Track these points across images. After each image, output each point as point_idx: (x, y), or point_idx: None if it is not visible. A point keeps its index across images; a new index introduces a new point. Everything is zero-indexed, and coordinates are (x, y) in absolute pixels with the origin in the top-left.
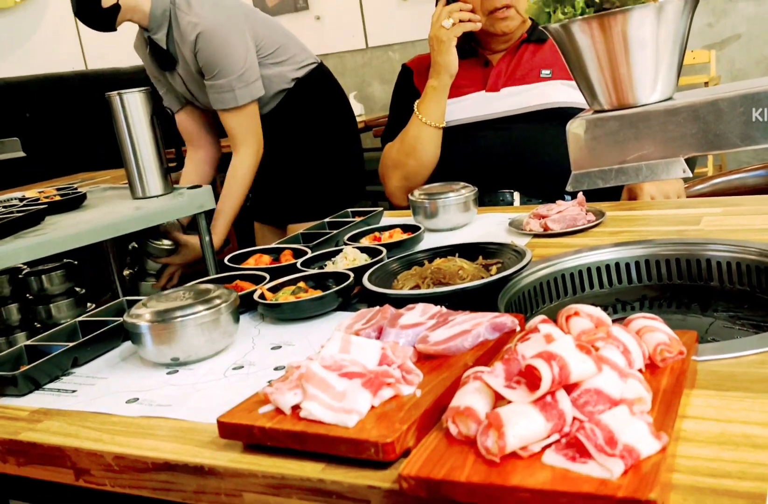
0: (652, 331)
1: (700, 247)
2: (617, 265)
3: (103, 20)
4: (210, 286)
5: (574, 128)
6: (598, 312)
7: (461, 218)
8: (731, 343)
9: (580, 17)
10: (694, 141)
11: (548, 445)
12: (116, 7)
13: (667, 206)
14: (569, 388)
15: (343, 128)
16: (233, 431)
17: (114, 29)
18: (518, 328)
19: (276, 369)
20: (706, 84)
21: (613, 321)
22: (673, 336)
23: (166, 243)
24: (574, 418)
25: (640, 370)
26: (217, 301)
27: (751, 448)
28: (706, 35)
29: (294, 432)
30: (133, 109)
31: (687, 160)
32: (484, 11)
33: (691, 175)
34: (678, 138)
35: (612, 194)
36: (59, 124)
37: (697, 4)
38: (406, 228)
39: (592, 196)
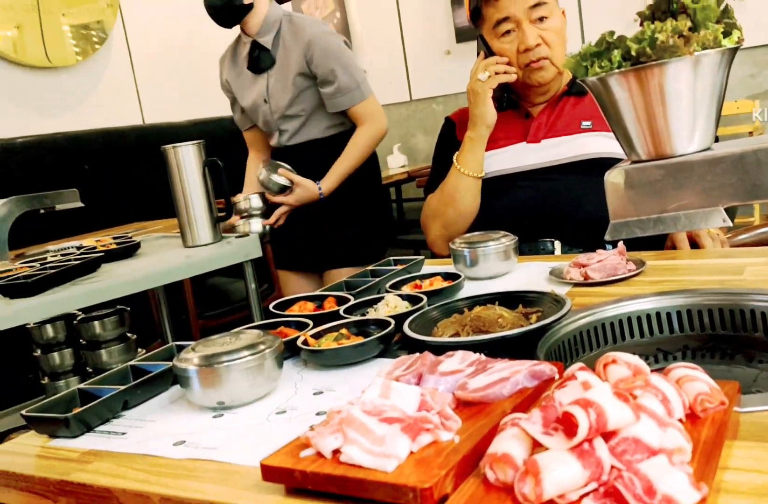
0: (693, 380)
1: (743, 297)
2: (658, 314)
3: (233, 16)
4: (255, 332)
5: (613, 178)
6: (636, 360)
7: (501, 267)
8: None
9: (617, 70)
10: (733, 191)
11: (586, 494)
12: (249, 6)
13: (710, 256)
14: (607, 436)
15: (375, 177)
16: (275, 474)
17: (232, 26)
18: (557, 376)
19: (318, 414)
20: (750, 134)
21: (655, 370)
22: (714, 386)
23: (283, 180)
24: (612, 467)
25: (680, 420)
26: (262, 347)
27: None
28: (748, 85)
29: (334, 476)
30: (186, 161)
31: (727, 210)
32: (520, 64)
33: (731, 224)
34: (717, 188)
35: (655, 243)
36: (116, 176)
37: (734, 56)
38: (446, 276)
39: (633, 245)
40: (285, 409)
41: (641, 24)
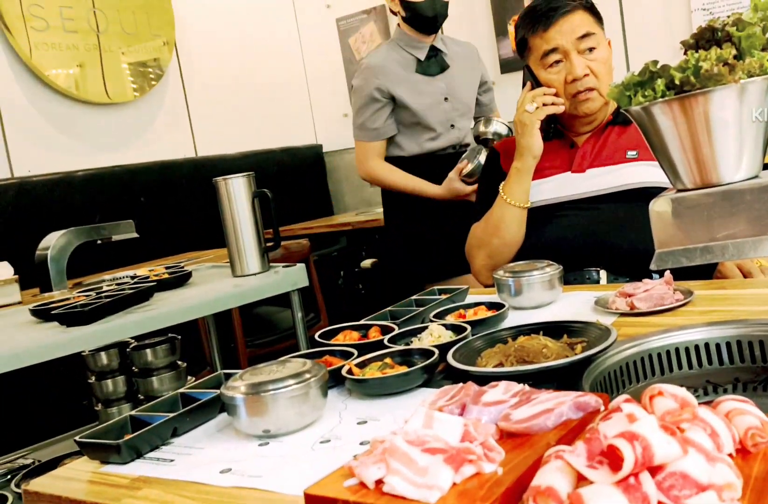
0: (743, 414)
1: None
2: (707, 345)
3: (438, 24)
4: (301, 360)
5: (658, 207)
6: (683, 392)
7: (546, 296)
8: None
9: (660, 99)
10: None
11: None
12: (446, 16)
13: (760, 285)
14: (653, 471)
15: None
16: (319, 503)
17: (433, 33)
18: (602, 408)
19: (361, 443)
20: None
21: (704, 403)
22: (765, 420)
23: (504, 128)
24: (659, 503)
25: (729, 455)
26: (307, 376)
27: None
28: None
29: None
30: (236, 192)
31: None
32: (567, 95)
33: None
34: (765, 216)
35: (703, 273)
36: (170, 207)
37: None
38: (490, 306)
39: (681, 274)
40: (329, 438)
41: (685, 53)
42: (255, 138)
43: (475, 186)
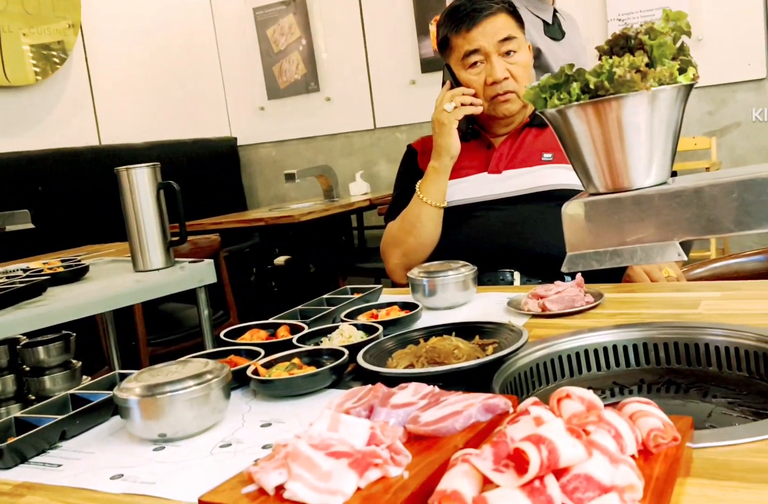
0: (646, 415)
1: (699, 331)
2: (615, 347)
3: None
4: (203, 360)
5: (570, 210)
6: (589, 395)
7: (460, 297)
8: (727, 431)
9: (575, 103)
10: (688, 225)
11: None
12: None
13: (666, 289)
14: (558, 473)
15: None
16: None
17: None
18: (511, 410)
19: (264, 447)
20: (708, 169)
21: (610, 405)
22: (667, 421)
23: None
24: None
25: (632, 456)
26: (209, 377)
27: None
28: (706, 123)
29: None
30: (140, 183)
31: (682, 244)
32: (486, 97)
33: (686, 258)
34: (672, 222)
35: (613, 276)
36: (70, 197)
37: (689, 92)
38: (404, 306)
39: (592, 277)
40: (230, 441)
41: (600, 58)
42: (164, 128)
43: None
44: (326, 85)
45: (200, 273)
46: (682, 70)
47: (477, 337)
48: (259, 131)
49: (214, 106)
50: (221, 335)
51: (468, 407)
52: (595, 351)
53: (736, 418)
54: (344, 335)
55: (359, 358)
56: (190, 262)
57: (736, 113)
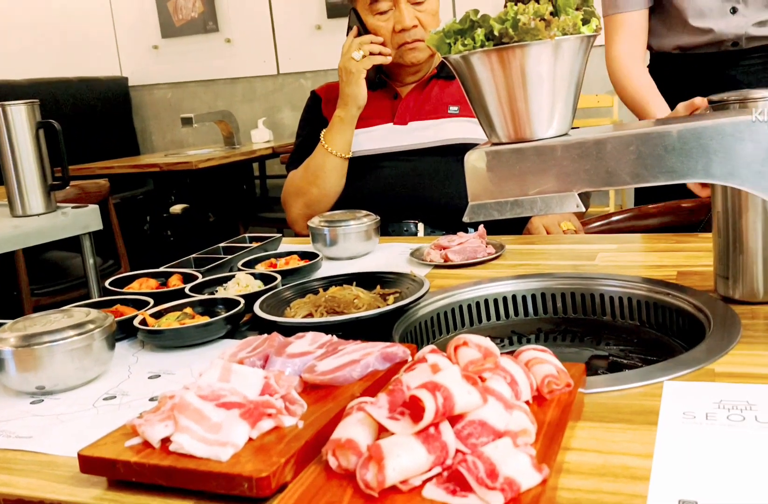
0: (541, 362)
1: (594, 282)
2: (514, 297)
3: None
4: (84, 310)
5: (472, 160)
6: (487, 342)
7: (362, 247)
8: (617, 376)
9: (479, 49)
10: (587, 177)
11: (429, 479)
12: None
13: (565, 241)
14: (454, 420)
15: None
16: (95, 466)
17: None
18: (410, 359)
19: (151, 399)
20: None
21: (508, 353)
22: (561, 368)
23: None
24: (457, 451)
25: (527, 402)
26: (91, 326)
27: (629, 479)
28: (609, 81)
29: (161, 467)
30: (16, 122)
31: (581, 195)
32: (394, 44)
33: (584, 209)
34: (572, 173)
35: (515, 228)
36: None
37: (591, 44)
38: (303, 255)
39: (495, 229)
40: (115, 394)
41: (505, 5)
42: (47, 64)
43: None
44: (226, 25)
45: (84, 219)
46: (585, 21)
47: (378, 287)
48: (153, 72)
49: (103, 43)
50: (106, 284)
51: (366, 356)
52: (495, 301)
53: (627, 364)
54: (241, 284)
55: (256, 307)
56: (73, 207)
57: None
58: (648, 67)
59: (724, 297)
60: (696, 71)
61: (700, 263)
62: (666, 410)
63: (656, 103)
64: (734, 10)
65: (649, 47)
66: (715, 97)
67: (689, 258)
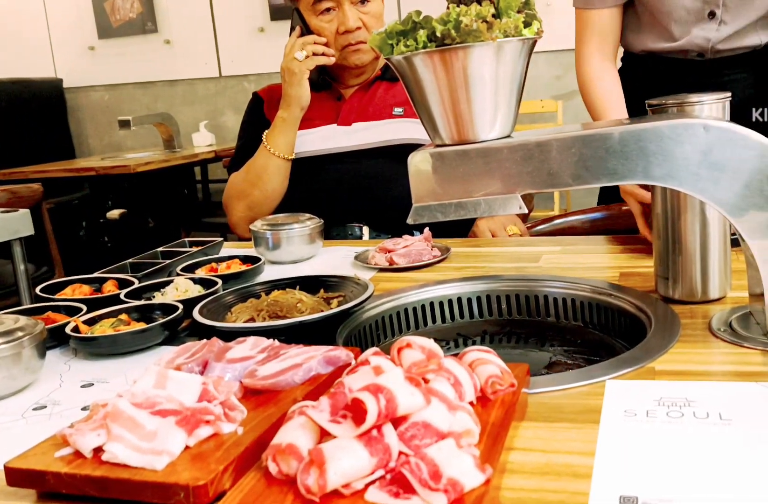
0: (485, 363)
1: (538, 284)
2: (459, 300)
3: None
4: (13, 317)
5: (416, 161)
6: (430, 344)
7: (305, 251)
8: (560, 376)
9: (422, 50)
10: (530, 178)
11: (372, 482)
12: None
13: (510, 244)
14: (397, 422)
15: None
16: (23, 478)
17: None
18: (353, 362)
19: (84, 409)
20: None
21: (453, 355)
22: (505, 369)
23: None
24: (401, 453)
25: (471, 403)
26: (20, 334)
27: (572, 477)
28: (554, 87)
29: (93, 477)
30: None
31: (524, 197)
32: (338, 46)
33: (526, 211)
34: (515, 175)
35: (460, 231)
36: None
37: (533, 47)
38: (246, 259)
39: (440, 232)
40: (45, 403)
41: (448, 7)
42: None
43: None
44: (165, 26)
45: (14, 224)
46: (527, 24)
47: (322, 290)
48: (89, 73)
49: (36, 43)
50: (37, 290)
51: (308, 360)
52: (441, 303)
53: (572, 365)
54: (179, 289)
55: (195, 312)
56: (2, 212)
57: None
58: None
59: (664, 297)
60: (662, 73)
61: (642, 264)
62: (608, 409)
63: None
64: (712, 15)
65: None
66: (653, 101)
67: (631, 259)
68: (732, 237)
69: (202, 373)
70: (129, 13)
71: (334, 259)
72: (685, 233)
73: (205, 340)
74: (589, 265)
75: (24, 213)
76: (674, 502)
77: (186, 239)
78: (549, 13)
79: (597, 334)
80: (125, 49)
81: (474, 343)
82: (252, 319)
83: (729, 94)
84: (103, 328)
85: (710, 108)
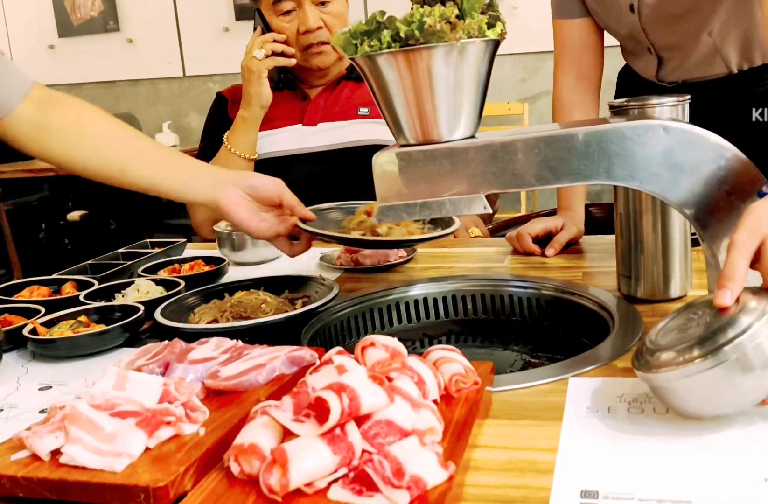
0: (449, 362)
1: (503, 284)
2: (425, 300)
3: None
4: None
5: (381, 161)
6: (394, 343)
7: (270, 252)
8: (524, 374)
9: (385, 50)
10: (494, 179)
11: (335, 480)
12: None
13: (475, 244)
14: (360, 420)
15: None
16: None
17: None
18: (317, 362)
19: (42, 412)
20: None
21: (418, 354)
22: (469, 367)
23: None
24: (364, 451)
25: (435, 401)
26: None
27: (535, 473)
28: (520, 89)
29: (51, 480)
30: None
31: (488, 197)
32: (299, 46)
33: (491, 211)
34: (479, 175)
35: None
36: None
37: (497, 48)
38: (209, 260)
39: None
40: (2, 407)
41: (412, 8)
42: None
43: None
44: (127, 25)
45: None
46: (490, 25)
47: (286, 291)
48: (49, 73)
49: None
50: None
51: (272, 360)
52: (407, 304)
53: (537, 363)
54: (141, 291)
55: (157, 314)
56: None
57: (546, 81)
58: None
59: (626, 296)
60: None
61: (605, 264)
62: (571, 406)
63: None
64: (650, 50)
65: None
66: (615, 102)
67: (594, 259)
68: (692, 237)
69: (163, 374)
70: (90, 11)
71: (299, 259)
72: (647, 233)
73: (166, 342)
74: (553, 265)
75: None
76: (634, 496)
77: (148, 240)
78: (515, 16)
79: (561, 333)
80: (86, 47)
81: (440, 343)
82: (215, 320)
83: (689, 96)
84: (62, 330)
85: (671, 110)
